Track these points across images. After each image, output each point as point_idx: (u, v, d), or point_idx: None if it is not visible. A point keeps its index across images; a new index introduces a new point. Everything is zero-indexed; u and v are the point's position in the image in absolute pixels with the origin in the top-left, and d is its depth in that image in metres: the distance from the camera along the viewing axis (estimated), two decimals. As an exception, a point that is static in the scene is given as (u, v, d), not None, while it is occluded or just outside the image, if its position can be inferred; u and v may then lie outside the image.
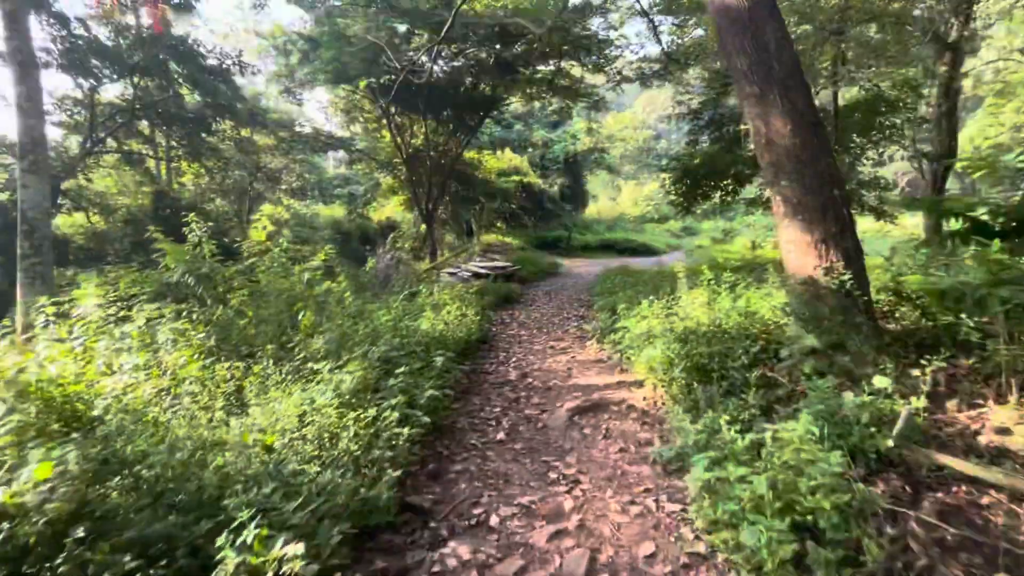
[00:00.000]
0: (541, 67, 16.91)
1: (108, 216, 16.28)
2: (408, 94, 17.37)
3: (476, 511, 3.07)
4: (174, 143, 18.54)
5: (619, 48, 15.96)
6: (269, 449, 3.22)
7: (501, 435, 4.15)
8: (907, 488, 2.83)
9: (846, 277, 3.96)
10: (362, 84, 16.08)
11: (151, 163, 20.93)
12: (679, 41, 14.62)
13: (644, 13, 12.53)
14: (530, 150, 29.57)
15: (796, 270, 4.21)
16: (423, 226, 20.28)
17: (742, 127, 13.37)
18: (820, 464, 2.47)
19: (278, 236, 17.81)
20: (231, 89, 16.80)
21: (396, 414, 3.50)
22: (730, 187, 16.28)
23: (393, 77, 15.60)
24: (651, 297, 6.86)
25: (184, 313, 5.26)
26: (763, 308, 5.37)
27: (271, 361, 4.82)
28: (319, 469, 2.92)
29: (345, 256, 12.49)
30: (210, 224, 6.02)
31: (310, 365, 4.48)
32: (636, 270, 13.71)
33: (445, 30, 9.21)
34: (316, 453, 3.32)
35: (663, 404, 4.51)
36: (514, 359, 6.60)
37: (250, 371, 4.91)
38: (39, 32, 15.51)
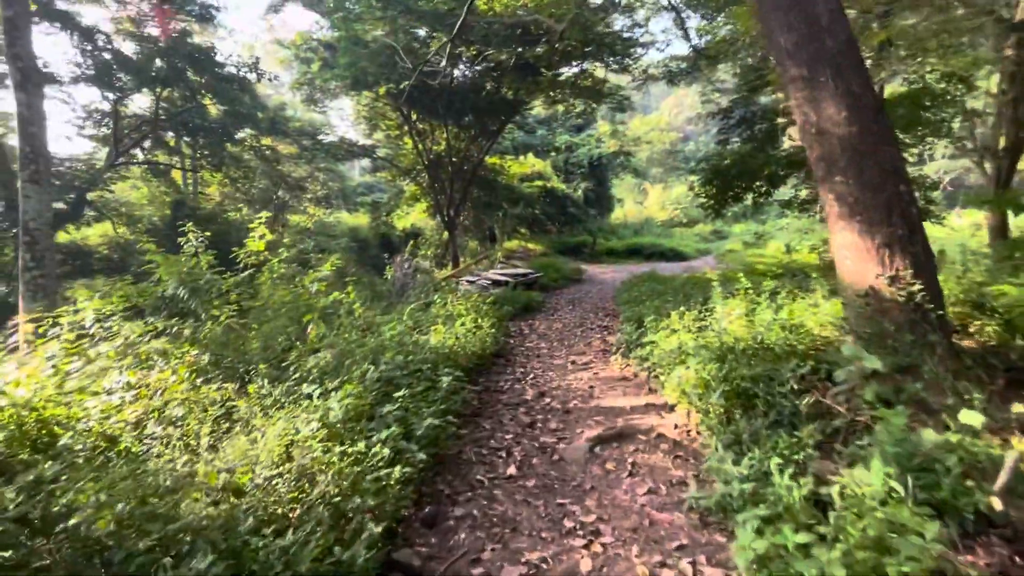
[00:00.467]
0: (564, 69, 16.45)
1: (132, 226, 16.43)
2: (428, 99, 17.12)
3: (475, 572, 2.58)
4: (197, 153, 18.67)
5: (644, 47, 15.39)
6: (239, 492, 2.80)
7: (511, 469, 3.65)
8: (1017, 559, 2.24)
9: (916, 287, 3.36)
10: (382, 90, 15.86)
11: (177, 174, 21.19)
12: (708, 37, 13.97)
13: (671, 7, 11.94)
14: (553, 154, 29.08)
15: (853, 280, 3.61)
16: (445, 233, 20.03)
17: (779, 120, 12.57)
18: (911, 537, 1.90)
19: (279, 245, 17.79)
20: (251, 97, 16.81)
21: (386, 450, 3.04)
22: (763, 188, 15.59)
23: (412, 83, 15.39)
24: (681, 308, 6.30)
25: (173, 329, 4.94)
26: (810, 321, 4.77)
27: (265, 381, 4.45)
28: (285, 524, 2.48)
29: (363, 264, 12.20)
30: (207, 234, 5.69)
31: (304, 387, 4.08)
32: (664, 276, 13.08)
33: (458, 26, 8.82)
34: (295, 495, 2.89)
35: (698, 434, 3.95)
36: (531, 376, 6.10)
37: (243, 392, 4.56)
38: (69, 47, 15.84)
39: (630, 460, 3.67)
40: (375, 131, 22.05)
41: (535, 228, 26.93)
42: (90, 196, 15.87)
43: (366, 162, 28.41)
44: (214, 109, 17.55)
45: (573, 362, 6.63)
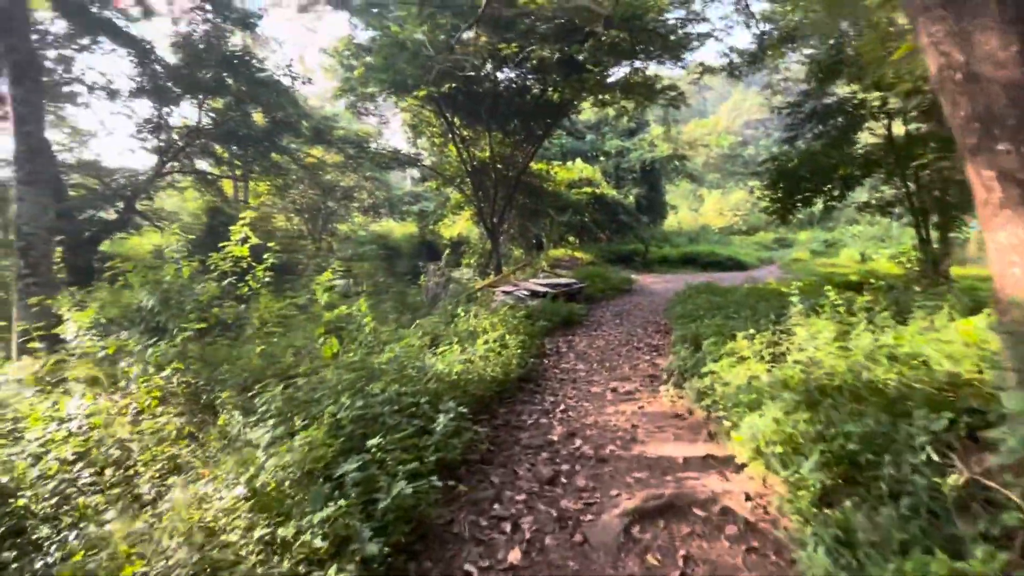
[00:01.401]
0: (613, 70, 15.39)
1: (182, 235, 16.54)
2: (472, 104, 16.50)
3: None
4: (242, 161, 18.78)
5: (701, 39, 14.14)
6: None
7: (515, 555, 2.66)
8: None
9: None
10: (421, 93, 15.32)
11: (228, 184, 21.50)
12: (776, 21, 12.55)
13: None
14: (603, 159, 27.89)
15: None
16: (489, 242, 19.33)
17: (882, 76, 10.87)
18: None
19: (326, 254, 17.46)
20: (289, 103, 16.67)
21: (319, 540, 2.13)
22: (835, 191, 14.03)
23: (454, 84, 14.77)
24: (749, 327, 5.13)
25: (135, 347, 4.27)
26: (933, 353, 3.53)
27: (236, 414, 3.69)
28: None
29: (394, 273, 11.54)
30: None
31: (259, 429, 3.26)
32: (723, 288, 11.72)
33: (482, 8, 8.00)
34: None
35: (781, 512, 2.82)
36: (562, 407, 5.08)
37: (205, 428, 3.83)
38: (125, 61, 16.02)
39: (682, 551, 2.60)
40: (420, 139, 21.70)
41: (584, 236, 25.80)
42: (141, 206, 16.16)
43: (417, 172, 28.24)
44: (259, 118, 17.60)
45: (615, 390, 5.56)
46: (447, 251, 12.01)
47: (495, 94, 16.05)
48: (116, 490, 3.09)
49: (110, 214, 14.70)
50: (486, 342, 6.10)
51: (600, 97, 17.00)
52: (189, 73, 14.57)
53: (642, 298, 13.22)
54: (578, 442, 4.16)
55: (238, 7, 14.81)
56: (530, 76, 16.20)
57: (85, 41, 14.96)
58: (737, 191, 41.71)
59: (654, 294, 13.91)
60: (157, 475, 3.27)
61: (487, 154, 18.30)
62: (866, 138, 14.60)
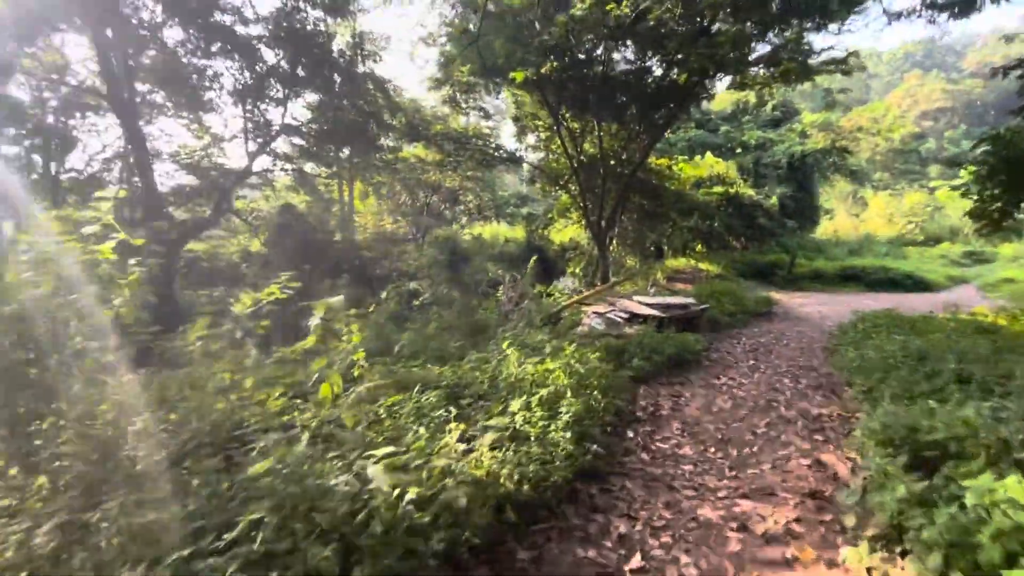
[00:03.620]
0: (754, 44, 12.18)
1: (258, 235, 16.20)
2: (580, 91, 14.25)
3: None
4: (336, 159, 18.22)
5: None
6: None
7: None
8: None
9: None
10: (518, 77, 13.33)
11: (331, 184, 21.26)
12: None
13: None
14: (739, 153, 23.90)
15: None
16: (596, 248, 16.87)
17: None
18: None
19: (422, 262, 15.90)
20: (385, 96, 15.63)
21: None
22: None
23: (556, 64, 12.66)
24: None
25: None
26: None
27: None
28: None
29: (461, 284, 9.59)
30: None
31: None
32: (915, 318, 8.20)
33: None
34: None
35: None
36: (637, 559, 2.60)
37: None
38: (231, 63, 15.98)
39: None
40: (525, 135, 19.87)
41: (713, 243, 22.10)
42: (238, 205, 16.12)
43: (525, 172, 26.57)
44: (351, 115, 16.84)
45: (744, 526, 2.94)
46: (533, 260, 9.77)
47: (607, 78, 13.62)
48: None
49: (204, 213, 14.64)
50: (527, 406, 3.80)
51: (738, 77, 13.80)
52: (288, 70, 14.05)
53: (787, 326, 9.92)
54: None
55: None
56: (648, 52, 13.54)
57: (212, 49, 15.06)
58: (912, 192, 34.57)
59: (804, 322, 10.49)
60: None
61: (596, 150, 15.93)
62: None
